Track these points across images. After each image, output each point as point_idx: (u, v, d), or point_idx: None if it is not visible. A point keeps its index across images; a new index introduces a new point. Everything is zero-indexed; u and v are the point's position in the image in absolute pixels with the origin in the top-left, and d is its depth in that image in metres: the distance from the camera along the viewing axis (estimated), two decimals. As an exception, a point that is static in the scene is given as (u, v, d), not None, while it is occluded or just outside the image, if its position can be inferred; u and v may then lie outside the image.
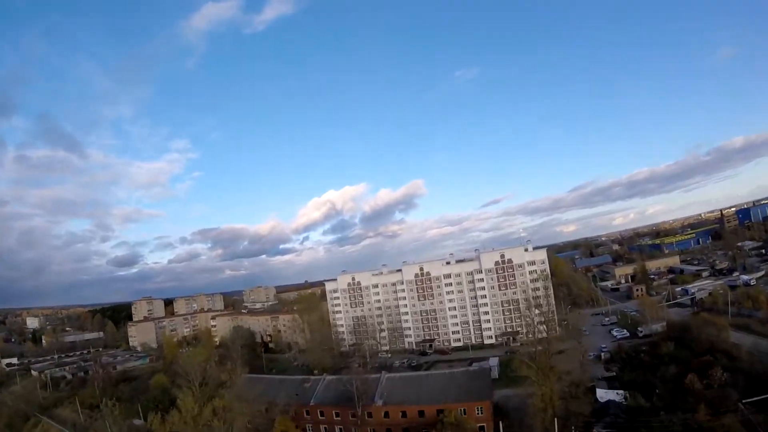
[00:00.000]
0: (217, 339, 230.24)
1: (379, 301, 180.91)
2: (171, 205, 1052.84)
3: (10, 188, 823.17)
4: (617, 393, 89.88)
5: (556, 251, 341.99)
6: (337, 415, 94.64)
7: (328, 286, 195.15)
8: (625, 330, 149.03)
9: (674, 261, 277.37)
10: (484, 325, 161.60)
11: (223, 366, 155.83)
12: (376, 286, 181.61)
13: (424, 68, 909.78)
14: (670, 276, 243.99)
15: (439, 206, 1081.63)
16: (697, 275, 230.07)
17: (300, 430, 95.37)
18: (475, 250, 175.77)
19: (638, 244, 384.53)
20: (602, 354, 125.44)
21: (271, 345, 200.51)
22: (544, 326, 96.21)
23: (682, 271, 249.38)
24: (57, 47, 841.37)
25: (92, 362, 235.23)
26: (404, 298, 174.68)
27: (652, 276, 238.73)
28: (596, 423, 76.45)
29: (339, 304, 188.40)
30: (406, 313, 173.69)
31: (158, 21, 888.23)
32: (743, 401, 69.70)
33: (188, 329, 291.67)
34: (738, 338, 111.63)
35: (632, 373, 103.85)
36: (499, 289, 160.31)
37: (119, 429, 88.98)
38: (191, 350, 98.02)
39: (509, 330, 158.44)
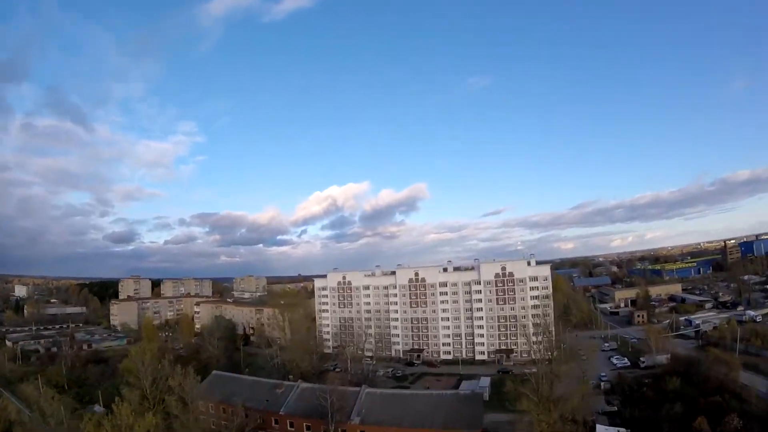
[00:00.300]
0: (198, 326, 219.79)
1: (368, 303, 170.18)
2: (173, 186, 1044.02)
3: (13, 154, 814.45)
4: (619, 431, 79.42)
5: (554, 268, 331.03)
6: (308, 428, 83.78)
7: (317, 283, 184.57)
8: (626, 359, 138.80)
9: (676, 289, 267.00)
10: (477, 340, 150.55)
11: (189, 362, 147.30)
12: (367, 287, 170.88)
13: (438, 71, 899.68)
14: (672, 304, 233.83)
15: (440, 211, 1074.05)
16: (699, 306, 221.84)
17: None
18: (475, 259, 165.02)
19: (638, 268, 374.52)
20: (602, 383, 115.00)
21: (253, 338, 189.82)
22: (549, 352, 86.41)
23: (683, 300, 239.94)
24: (73, 17, 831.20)
25: (68, 338, 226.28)
26: (395, 303, 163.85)
27: (654, 302, 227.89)
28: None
29: (327, 303, 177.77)
30: (396, 320, 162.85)
31: (177, 1, 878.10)
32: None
33: (172, 313, 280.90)
34: (747, 379, 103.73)
35: (635, 409, 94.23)
36: (497, 303, 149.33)
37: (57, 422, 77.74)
38: (141, 345, 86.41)
39: (503, 347, 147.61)
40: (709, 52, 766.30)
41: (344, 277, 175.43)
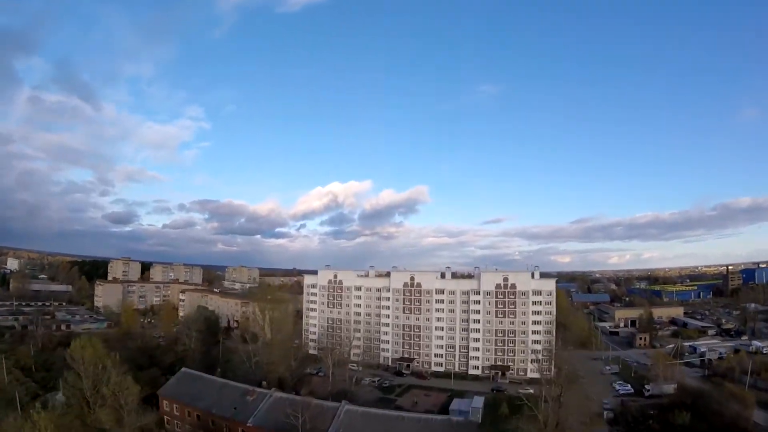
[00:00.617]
0: (182, 315, 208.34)
1: (359, 305, 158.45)
2: (175, 170, 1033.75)
3: (18, 126, 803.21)
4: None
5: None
6: (278, 445, 72.48)
7: (307, 280, 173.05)
8: (629, 385, 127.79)
9: (677, 312, 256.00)
10: (471, 354, 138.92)
11: (166, 353, 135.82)
12: (359, 288, 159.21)
13: (450, 76, 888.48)
14: (673, 328, 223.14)
15: (440, 216, 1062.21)
16: (702, 332, 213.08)
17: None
18: (476, 267, 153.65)
19: (637, 287, 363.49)
20: (605, 412, 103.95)
21: (236, 332, 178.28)
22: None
23: (685, 324, 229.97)
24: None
25: (46, 317, 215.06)
26: (388, 307, 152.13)
27: (655, 325, 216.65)
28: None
29: (315, 302, 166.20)
30: (387, 325, 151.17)
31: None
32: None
33: (158, 299, 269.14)
34: (761, 418, 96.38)
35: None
36: (496, 316, 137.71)
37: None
38: (82, 340, 74.78)
39: (499, 364, 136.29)
40: (720, 79, 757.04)
41: (335, 276, 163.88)
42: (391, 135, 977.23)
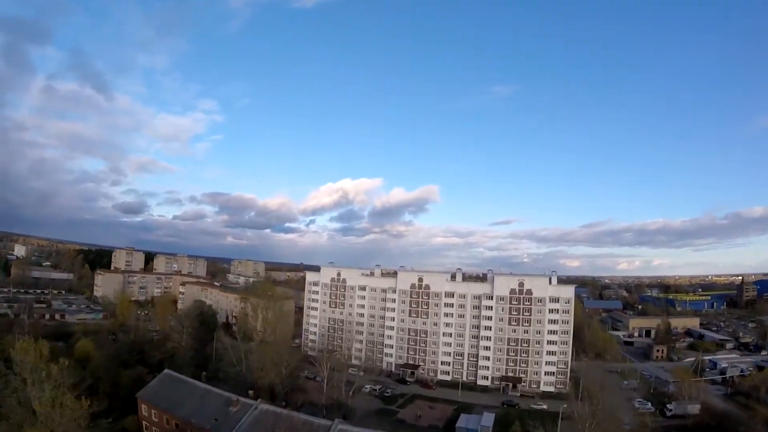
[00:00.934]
0: (181, 308, 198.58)
1: (363, 306, 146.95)
2: (187, 162, 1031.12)
3: (31, 115, 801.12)
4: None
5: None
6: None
7: (309, 277, 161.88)
8: (649, 403, 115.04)
9: (693, 323, 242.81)
10: (481, 363, 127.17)
11: (158, 348, 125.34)
12: (363, 288, 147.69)
13: (463, 76, 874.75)
14: (689, 340, 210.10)
15: (449, 216, 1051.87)
16: (720, 345, 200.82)
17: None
18: (488, 270, 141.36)
19: (649, 295, 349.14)
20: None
21: (234, 329, 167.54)
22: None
23: (701, 336, 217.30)
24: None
25: (41, 305, 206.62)
26: (393, 309, 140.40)
27: (673, 337, 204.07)
28: None
29: (317, 300, 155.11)
30: (392, 328, 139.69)
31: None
32: None
33: (159, 290, 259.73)
34: None
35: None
36: (509, 324, 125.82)
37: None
38: (26, 342, 63.78)
39: (510, 375, 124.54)
40: (734, 87, 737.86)
41: (339, 274, 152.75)
42: (404, 133, 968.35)
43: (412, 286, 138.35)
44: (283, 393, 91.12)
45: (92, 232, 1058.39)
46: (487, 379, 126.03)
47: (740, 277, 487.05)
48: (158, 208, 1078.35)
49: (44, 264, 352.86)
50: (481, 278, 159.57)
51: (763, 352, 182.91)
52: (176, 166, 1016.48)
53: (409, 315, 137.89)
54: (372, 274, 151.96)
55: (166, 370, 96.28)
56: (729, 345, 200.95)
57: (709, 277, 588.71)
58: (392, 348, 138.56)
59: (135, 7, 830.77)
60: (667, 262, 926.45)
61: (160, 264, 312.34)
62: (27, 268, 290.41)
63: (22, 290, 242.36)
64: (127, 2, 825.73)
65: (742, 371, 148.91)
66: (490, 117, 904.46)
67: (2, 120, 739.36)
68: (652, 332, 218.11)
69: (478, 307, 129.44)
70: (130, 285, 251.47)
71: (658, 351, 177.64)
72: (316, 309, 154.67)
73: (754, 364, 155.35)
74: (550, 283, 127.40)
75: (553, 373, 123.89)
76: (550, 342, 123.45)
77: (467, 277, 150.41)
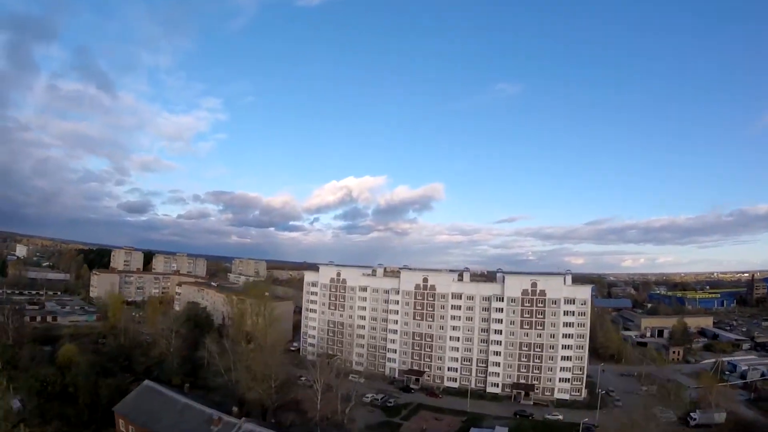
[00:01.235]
0: (178, 309, 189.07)
1: (364, 308, 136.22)
2: (190, 161, 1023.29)
3: (35, 114, 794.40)
4: None
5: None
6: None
7: (307, 277, 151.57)
8: (671, 411, 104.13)
9: (706, 322, 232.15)
10: (491, 369, 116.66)
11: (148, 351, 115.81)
12: (364, 289, 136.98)
13: (467, 74, 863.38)
14: (703, 340, 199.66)
15: (453, 213, 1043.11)
16: (735, 345, 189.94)
17: None
18: (498, 270, 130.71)
19: (657, 293, 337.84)
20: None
21: (230, 331, 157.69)
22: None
23: (716, 336, 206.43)
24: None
25: (34, 307, 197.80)
26: (396, 311, 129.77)
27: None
28: None
29: (315, 302, 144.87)
30: (395, 332, 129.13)
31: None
32: None
33: (157, 290, 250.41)
34: None
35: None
36: (521, 327, 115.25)
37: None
38: None
39: (522, 382, 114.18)
40: (739, 84, 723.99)
41: (338, 274, 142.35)
42: (408, 131, 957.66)
43: (417, 286, 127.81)
44: (274, 408, 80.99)
45: (97, 232, 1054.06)
46: (498, 386, 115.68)
47: (746, 274, 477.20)
48: (163, 207, 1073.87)
49: (44, 264, 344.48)
50: (487, 277, 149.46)
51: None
52: (180, 164, 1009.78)
53: (414, 318, 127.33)
54: (374, 273, 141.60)
55: (145, 382, 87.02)
56: (745, 345, 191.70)
57: (715, 274, 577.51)
58: (395, 353, 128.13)
59: (140, 5, 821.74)
60: (671, 259, 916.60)
61: (159, 264, 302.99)
62: (24, 268, 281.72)
63: (17, 291, 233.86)
64: (132, 0, 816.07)
65: (763, 374, 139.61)
66: (494, 115, 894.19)
67: (6, 120, 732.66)
68: (665, 332, 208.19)
69: (487, 309, 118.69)
70: (126, 285, 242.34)
71: (674, 353, 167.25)
72: (314, 311, 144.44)
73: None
74: (564, 283, 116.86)
75: (568, 379, 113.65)
76: (564, 346, 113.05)
77: (474, 277, 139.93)
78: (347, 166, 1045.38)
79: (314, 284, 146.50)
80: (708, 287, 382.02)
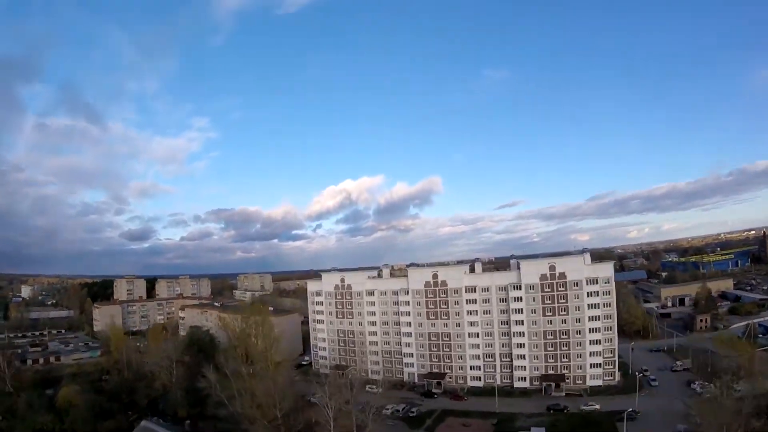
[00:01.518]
0: (184, 335, 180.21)
1: (373, 313, 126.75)
2: (186, 182, 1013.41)
3: (27, 154, 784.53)
4: None
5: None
6: None
7: (310, 287, 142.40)
8: (711, 385, 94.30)
9: (726, 284, 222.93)
10: (516, 362, 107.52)
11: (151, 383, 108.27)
12: (371, 293, 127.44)
13: (451, 63, 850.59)
14: (726, 303, 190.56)
15: (454, 204, 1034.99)
16: (761, 305, 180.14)
17: None
18: (511, 256, 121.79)
19: (669, 260, 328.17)
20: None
21: (230, 355, 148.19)
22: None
23: (738, 298, 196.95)
24: (86, 12, 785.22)
25: (36, 349, 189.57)
26: (408, 313, 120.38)
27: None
28: None
29: (322, 312, 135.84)
30: (409, 335, 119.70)
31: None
32: None
33: (162, 317, 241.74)
34: None
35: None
36: (544, 315, 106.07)
37: None
38: None
39: (551, 373, 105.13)
40: (732, 40, 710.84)
41: (342, 280, 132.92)
42: (399, 128, 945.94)
43: (427, 284, 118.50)
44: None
45: (101, 264, 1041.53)
46: (525, 380, 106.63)
47: (752, 232, 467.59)
48: (164, 231, 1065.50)
49: (49, 303, 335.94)
50: (497, 264, 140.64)
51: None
52: (177, 187, 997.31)
53: (427, 317, 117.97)
54: (379, 275, 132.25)
55: (143, 422, 79.43)
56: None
57: (722, 235, 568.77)
58: (412, 357, 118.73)
59: (119, 34, 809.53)
60: (675, 226, 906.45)
61: (162, 289, 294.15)
62: (26, 310, 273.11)
63: (20, 334, 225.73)
64: (111, 30, 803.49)
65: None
66: (484, 102, 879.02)
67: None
68: (686, 300, 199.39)
69: (505, 300, 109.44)
70: (130, 315, 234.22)
71: (701, 321, 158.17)
72: (322, 321, 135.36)
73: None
74: (584, 262, 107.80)
75: (600, 364, 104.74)
76: (592, 330, 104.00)
77: (485, 266, 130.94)
78: (343, 170, 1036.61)
79: (318, 293, 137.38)
80: (719, 249, 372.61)
